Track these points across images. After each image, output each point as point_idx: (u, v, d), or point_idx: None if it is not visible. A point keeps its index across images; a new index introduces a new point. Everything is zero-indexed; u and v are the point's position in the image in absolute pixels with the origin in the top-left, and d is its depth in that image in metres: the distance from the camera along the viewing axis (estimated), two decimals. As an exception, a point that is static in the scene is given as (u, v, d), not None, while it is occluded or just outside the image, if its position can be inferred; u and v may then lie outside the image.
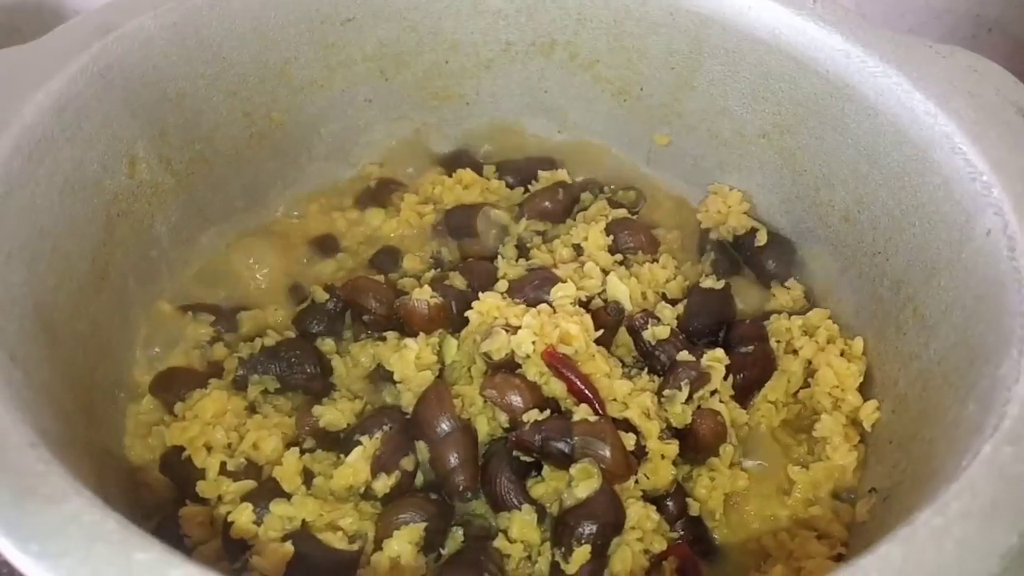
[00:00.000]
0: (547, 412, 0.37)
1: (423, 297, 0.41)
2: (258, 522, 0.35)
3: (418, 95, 0.53)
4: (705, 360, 0.40)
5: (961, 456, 0.27)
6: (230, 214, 0.49)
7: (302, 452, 0.38)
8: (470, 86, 0.53)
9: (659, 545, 0.36)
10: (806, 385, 0.43)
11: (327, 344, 0.43)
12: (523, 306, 0.41)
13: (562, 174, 0.53)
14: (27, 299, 0.33)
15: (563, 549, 0.34)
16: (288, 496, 0.36)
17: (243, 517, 0.34)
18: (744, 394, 0.42)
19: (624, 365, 0.42)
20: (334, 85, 0.51)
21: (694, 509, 0.39)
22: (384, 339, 0.42)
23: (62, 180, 0.37)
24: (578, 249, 0.48)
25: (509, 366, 0.39)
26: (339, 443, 0.39)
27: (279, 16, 0.46)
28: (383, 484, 0.36)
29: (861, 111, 0.43)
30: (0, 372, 0.27)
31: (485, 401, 0.39)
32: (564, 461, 0.36)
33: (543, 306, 0.41)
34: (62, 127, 0.37)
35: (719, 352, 0.41)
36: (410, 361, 0.40)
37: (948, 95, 0.40)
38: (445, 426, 0.38)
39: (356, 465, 0.36)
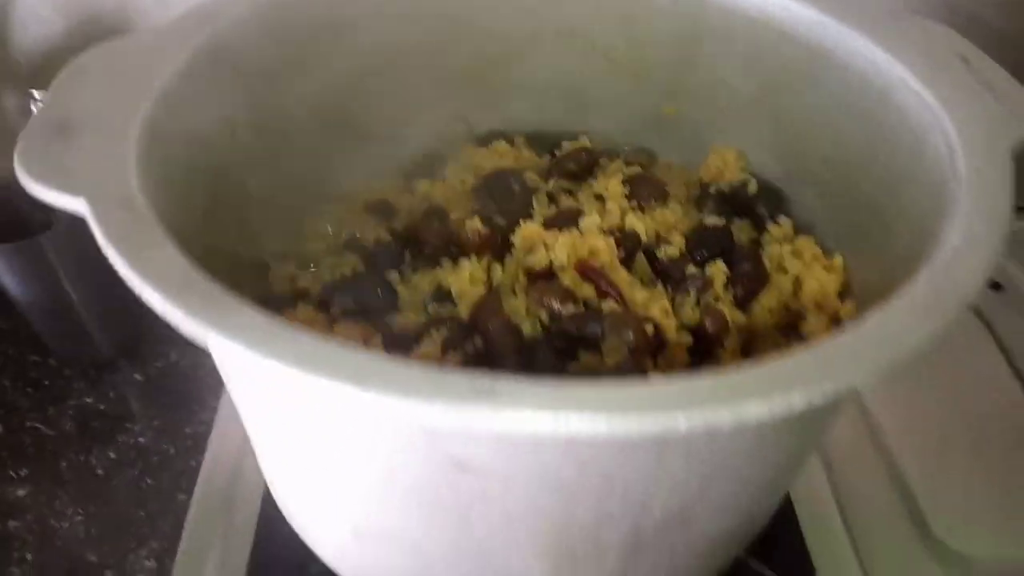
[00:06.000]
0: (580, 307, 0.46)
1: (475, 227, 0.50)
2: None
3: (459, 81, 0.63)
4: (708, 270, 0.49)
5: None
6: (306, 181, 0.58)
7: (380, 349, 0.46)
8: (503, 72, 0.63)
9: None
10: (795, 297, 0.51)
11: (392, 276, 0.52)
12: (557, 232, 0.49)
13: (584, 142, 0.62)
14: (170, 228, 0.42)
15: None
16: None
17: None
18: (743, 302, 0.50)
19: (642, 283, 0.50)
20: (389, 74, 0.60)
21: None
22: (441, 266, 0.51)
23: (186, 136, 0.46)
24: (600, 199, 0.56)
25: (546, 277, 0.47)
26: (408, 345, 0.47)
27: (349, 11, 0.56)
28: (453, 359, 0.44)
29: (834, 68, 0.51)
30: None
31: (527, 308, 0.47)
32: (595, 344, 0.44)
33: (574, 231, 0.49)
34: (185, 94, 0.46)
35: (720, 263, 0.49)
36: (465, 278, 0.48)
37: (904, 48, 0.48)
38: (496, 324, 0.46)
39: (428, 350, 0.44)
